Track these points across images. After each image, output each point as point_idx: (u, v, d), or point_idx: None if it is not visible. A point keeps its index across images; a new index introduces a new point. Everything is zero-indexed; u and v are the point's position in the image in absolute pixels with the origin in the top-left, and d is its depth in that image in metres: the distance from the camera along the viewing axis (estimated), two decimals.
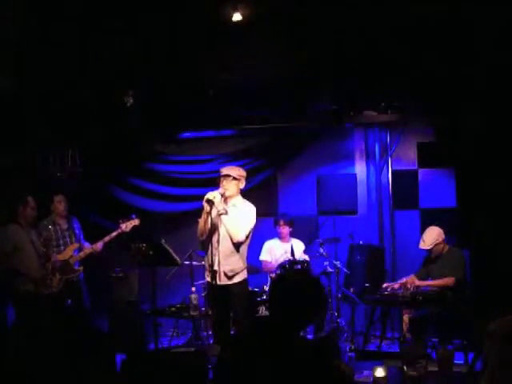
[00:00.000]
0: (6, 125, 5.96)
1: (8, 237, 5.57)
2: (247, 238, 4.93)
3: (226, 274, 4.85)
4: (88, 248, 5.92)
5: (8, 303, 5.62)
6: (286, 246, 6.32)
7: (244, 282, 4.97)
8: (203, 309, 5.85)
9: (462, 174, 5.93)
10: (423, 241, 5.67)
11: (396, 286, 5.64)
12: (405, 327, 5.60)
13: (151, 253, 5.38)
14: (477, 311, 5.10)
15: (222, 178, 4.92)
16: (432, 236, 5.64)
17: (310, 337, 5.77)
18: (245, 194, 5.10)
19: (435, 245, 5.61)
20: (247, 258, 5.05)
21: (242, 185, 5.02)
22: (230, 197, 4.92)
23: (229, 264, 4.85)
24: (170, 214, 7.23)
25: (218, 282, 4.80)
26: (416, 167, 7.08)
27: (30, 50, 5.11)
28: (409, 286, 5.49)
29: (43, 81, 5.63)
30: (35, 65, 5.34)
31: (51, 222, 5.91)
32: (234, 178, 4.91)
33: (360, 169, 7.26)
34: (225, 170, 4.97)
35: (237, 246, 4.87)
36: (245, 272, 4.97)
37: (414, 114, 6.53)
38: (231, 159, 7.05)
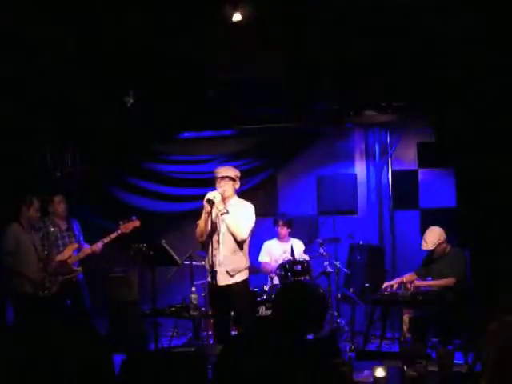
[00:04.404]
0: (5, 124, 5.96)
1: (11, 236, 5.60)
2: (248, 235, 4.93)
3: (228, 273, 4.85)
4: (87, 248, 5.91)
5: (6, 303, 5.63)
6: (286, 246, 6.32)
7: (245, 282, 4.97)
8: (203, 309, 5.85)
9: (462, 174, 5.92)
10: (425, 242, 5.66)
11: (395, 284, 5.63)
12: (405, 327, 5.60)
13: (151, 253, 5.38)
14: (477, 311, 5.10)
15: (218, 179, 4.91)
16: (433, 237, 5.63)
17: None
18: (244, 194, 5.11)
19: (437, 245, 5.61)
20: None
21: (238, 185, 5.03)
22: (228, 197, 4.92)
23: (231, 263, 4.85)
24: (170, 213, 7.22)
25: (219, 283, 4.80)
26: (416, 167, 7.08)
27: (30, 50, 5.11)
28: (409, 285, 5.48)
29: (43, 80, 5.62)
30: (35, 64, 5.34)
31: (50, 223, 5.91)
32: (231, 179, 4.91)
33: (360, 169, 7.25)
34: (222, 171, 4.96)
35: (239, 244, 4.87)
36: (247, 272, 4.98)
37: (414, 113, 6.52)
38: (231, 159, 7.05)
